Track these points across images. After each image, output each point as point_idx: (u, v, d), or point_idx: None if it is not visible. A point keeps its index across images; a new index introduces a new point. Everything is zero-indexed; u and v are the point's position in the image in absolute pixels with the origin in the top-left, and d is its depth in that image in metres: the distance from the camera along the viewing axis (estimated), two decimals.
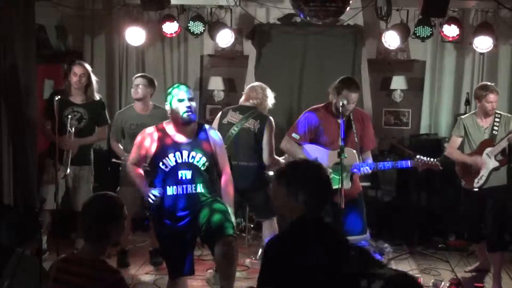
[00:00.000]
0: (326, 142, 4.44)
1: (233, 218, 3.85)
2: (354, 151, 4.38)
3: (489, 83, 5.07)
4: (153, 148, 3.83)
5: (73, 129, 5.11)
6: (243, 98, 5.11)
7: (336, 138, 4.36)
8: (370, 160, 4.52)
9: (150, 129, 3.89)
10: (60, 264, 2.76)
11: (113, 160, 5.38)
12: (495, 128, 4.90)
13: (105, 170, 6.13)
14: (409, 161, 4.45)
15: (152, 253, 5.44)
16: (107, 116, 5.53)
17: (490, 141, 4.90)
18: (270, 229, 5.05)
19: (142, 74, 5.63)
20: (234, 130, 4.85)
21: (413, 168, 4.56)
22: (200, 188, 3.82)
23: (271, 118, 4.94)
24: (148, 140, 3.85)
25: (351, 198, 4.44)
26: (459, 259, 5.72)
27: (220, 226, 3.70)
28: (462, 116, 5.22)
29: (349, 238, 4.39)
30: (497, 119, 4.92)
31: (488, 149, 4.88)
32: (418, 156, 4.47)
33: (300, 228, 2.56)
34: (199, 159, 3.82)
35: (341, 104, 4.22)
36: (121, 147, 5.39)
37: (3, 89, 5.81)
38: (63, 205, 5.29)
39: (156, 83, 5.47)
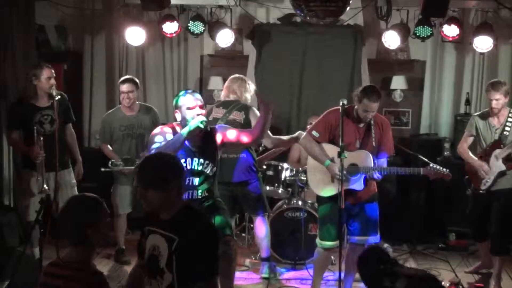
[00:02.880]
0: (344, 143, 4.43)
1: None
2: (370, 154, 4.38)
3: (501, 80, 4.96)
4: None
5: (41, 138, 4.87)
6: (223, 93, 5.17)
7: (352, 141, 4.38)
8: (384, 165, 4.50)
9: (168, 129, 3.81)
10: (48, 268, 2.74)
11: (102, 169, 5.26)
12: (507, 128, 4.75)
13: (99, 170, 6.13)
14: (421, 169, 4.45)
15: (118, 252, 5.51)
16: (71, 112, 5.36)
17: (499, 143, 4.76)
18: (261, 226, 5.11)
19: (128, 78, 5.55)
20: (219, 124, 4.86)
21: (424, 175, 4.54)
22: (203, 193, 3.85)
23: (254, 107, 5.02)
24: (162, 138, 3.76)
25: (363, 200, 4.46)
26: (459, 259, 5.72)
27: (218, 227, 3.72)
28: (475, 114, 5.11)
29: (357, 238, 4.47)
30: (510, 119, 4.77)
31: (496, 151, 4.75)
32: (431, 165, 4.46)
33: (191, 212, 2.80)
34: (207, 166, 3.82)
35: (343, 103, 4.25)
36: (111, 149, 5.44)
37: (3, 89, 5.81)
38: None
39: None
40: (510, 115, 4.79)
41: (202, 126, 3.66)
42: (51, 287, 2.67)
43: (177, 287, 2.70)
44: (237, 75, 5.19)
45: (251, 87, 5.12)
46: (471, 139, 4.97)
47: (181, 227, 2.71)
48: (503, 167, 4.74)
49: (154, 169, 2.76)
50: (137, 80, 5.54)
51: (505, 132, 4.76)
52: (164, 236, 2.74)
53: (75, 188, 5.26)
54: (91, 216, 2.67)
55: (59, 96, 5.02)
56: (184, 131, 3.67)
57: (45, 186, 4.86)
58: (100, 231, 2.69)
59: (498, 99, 4.73)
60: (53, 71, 5.07)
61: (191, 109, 3.72)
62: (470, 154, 4.95)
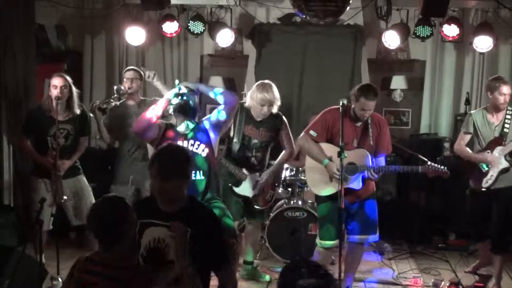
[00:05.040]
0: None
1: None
2: (368, 153, 4.39)
3: (502, 76, 4.93)
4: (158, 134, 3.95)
5: (55, 149, 4.74)
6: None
7: (350, 140, 4.38)
8: (382, 164, 4.50)
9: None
10: (83, 264, 2.71)
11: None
12: (506, 125, 4.66)
13: (104, 170, 6.12)
14: (420, 167, 4.45)
15: None
16: (90, 125, 5.20)
17: (501, 140, 4.67)
18: (255, 231, 5.15)
19: (133, 67, 5.40)
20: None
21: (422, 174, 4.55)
22: (199, 175, 3.87)
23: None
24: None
25: (362, 199, 4.46)
26: (459, 259, 5.72)
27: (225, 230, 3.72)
28: (472, 111, 5.00)
29: (357, 237, 4.47)
30: (508, 116, 4.67)
31: (498, 148, 4.65)
32: (429, 163, 4.46)
33: (198, 204, 2.99)
34: (198, 146, 3.91)
35: (343, 103, 4.24)
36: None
37: (3, 89, 5.82)
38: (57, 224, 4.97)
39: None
40: (508, 112, 4.72)
41: (177, 89, 3.93)
42: (87, 285, 2.65)
43: (188, 277, 2.74)
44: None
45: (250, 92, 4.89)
46: (468, 138, 4.85)
47: (192, 219, 2.78)
48: (507, 165, 4.65)
49: (176, 159, 2.84)
50: (142, 73, 5.28)
51: (505, 129, 4.68)
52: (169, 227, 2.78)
53: (91, 192, 5.14)
54: (121, 214, 2.66)
55: (76, 111, 4.90)
56: (165, 96, 4.00)
57: (65, 197, 4.81)
58: (132, 226, 2.69)
59: (507, 95, 4.66)
60: (66, 79, 4.83)
61: (175, 96, 4.00)
62: (469, 150, 4.85)
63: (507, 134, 4.67)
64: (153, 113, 3.91)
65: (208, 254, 2.75)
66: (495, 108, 4.72)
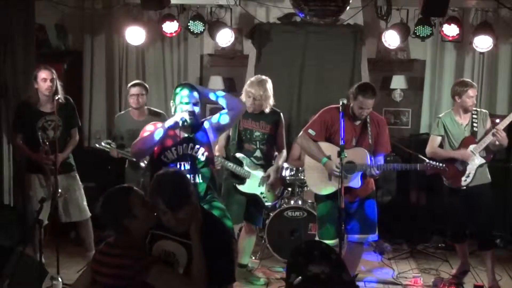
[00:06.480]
0: (340, 141, 4.44)
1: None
2: (366, 152, 4.39)
3: (466, 79, 5.09)
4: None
5: (47, 142, 4.77)
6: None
7: (349, 139, 4.39)
8: (380, 163, 4.50)
9: (158, 124, 3.91)
10: (102, 247, 2.84)
11: (97, 145, 5.38)
12: (475, 124, 4.85)
13: (105, 169, 6.14)
14: (418, 165, 4.48)
15: None
16: (78, 117, 5.20)
17: (472, 138, 4.83)
18: (251, 232, 5.12)
19: (138, 82, 5.56)
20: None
21: (421, 171, 4.58)
22: (199, 179, 3.87)
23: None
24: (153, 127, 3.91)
25: (361, 197, 4.47)
26: (459, 259, 5.71)
27: None
28: (440, 115, 5.11)
29: (357, 236, 4.47)
30: (474, 116, 4.87)
31: (471, 146, 4.80)
32: (427, 161, 4.47)
33: (209, 218, 2.89)
34: (198, 150, 3.89)
35: (343, 103, 4.23)
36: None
37: (3, 89, 5.82)
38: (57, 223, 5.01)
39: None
40: (473, 112, 4.89)
41: (180, 122, 3.76)
42: (102, 264, 2.75)
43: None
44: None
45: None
46: (439, 140, 4.96)
47: (204, 234, 2.73)
48: (482, 161, 4.81)
49: (180, 186, 2.76)
50: (147, 85, 5.56)
51: (474, 128, 4.85)
52: (182, 243, 2.76)
53: (82, 191, 5.11)
54: (122, 207, 2.75)
55: (61, 100, 4.87)
56: (166, 124, 3.81)
57: (59, 190, 4.81)
58: (137, 217, 2.75)
59: (474, 97, 4.87)
60: (52, 72, 4.86)
61: (183, 104, 3.82)
62: (443, 150, 4.94)
63: (477, 132, 4.85)
64: (149, 143, 3.80)
65: (212, 270, 2.69)
66: (464, 110, 4.89)
